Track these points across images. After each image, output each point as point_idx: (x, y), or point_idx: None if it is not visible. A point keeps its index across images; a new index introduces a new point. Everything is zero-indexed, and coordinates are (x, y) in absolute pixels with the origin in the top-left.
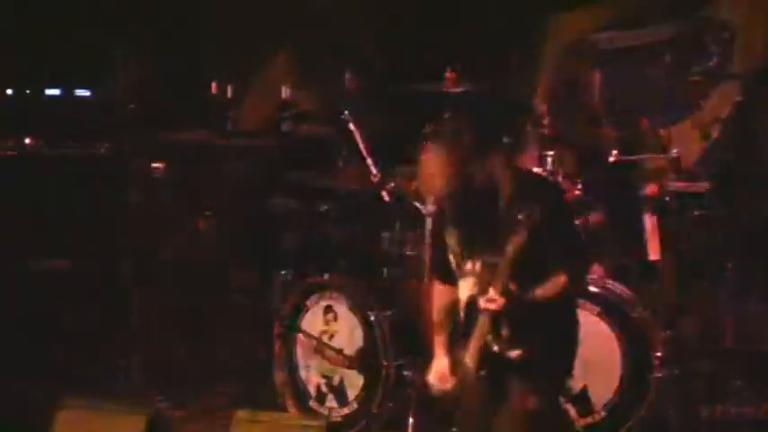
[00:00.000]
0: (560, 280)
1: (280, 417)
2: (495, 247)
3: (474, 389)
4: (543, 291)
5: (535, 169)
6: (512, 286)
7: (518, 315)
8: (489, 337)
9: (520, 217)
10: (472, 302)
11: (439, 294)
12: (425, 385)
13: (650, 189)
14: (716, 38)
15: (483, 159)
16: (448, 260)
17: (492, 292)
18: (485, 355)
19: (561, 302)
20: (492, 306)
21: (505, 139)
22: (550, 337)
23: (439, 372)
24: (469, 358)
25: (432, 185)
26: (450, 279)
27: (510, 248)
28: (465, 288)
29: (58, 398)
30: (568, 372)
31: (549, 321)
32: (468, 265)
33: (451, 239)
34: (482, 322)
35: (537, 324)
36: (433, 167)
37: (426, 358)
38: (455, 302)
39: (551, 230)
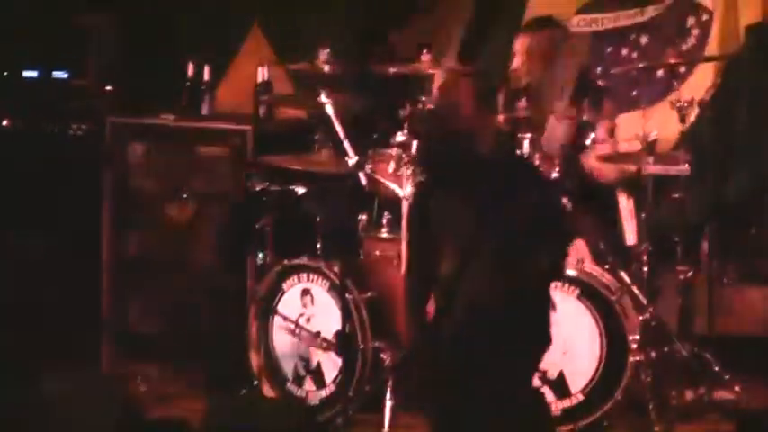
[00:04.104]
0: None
1: (256, 400)
2: (483, 224)
3: (450, 367)
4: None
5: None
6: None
7: (495, 296)
8: (467, 316)
9: (512, 202)
10: (452, 278)
11: (417, 269)
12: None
13: (625, 172)
14: (696, 20)
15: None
16: (428, 236)
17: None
18: (462, 333)
19: (538, 287)
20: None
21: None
22: (526, 318)
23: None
24: (447, 336)
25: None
26: (430, 254)
27: (498, 231)
28: (446, 264)
29: (30, 378)
30: (543, 353)
31: (526, 303)
32: (453, 241)
33: (437, 213)
34: (461, 300)
35: (513, 305)
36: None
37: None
38: (434, 278)
39: (540, 216)
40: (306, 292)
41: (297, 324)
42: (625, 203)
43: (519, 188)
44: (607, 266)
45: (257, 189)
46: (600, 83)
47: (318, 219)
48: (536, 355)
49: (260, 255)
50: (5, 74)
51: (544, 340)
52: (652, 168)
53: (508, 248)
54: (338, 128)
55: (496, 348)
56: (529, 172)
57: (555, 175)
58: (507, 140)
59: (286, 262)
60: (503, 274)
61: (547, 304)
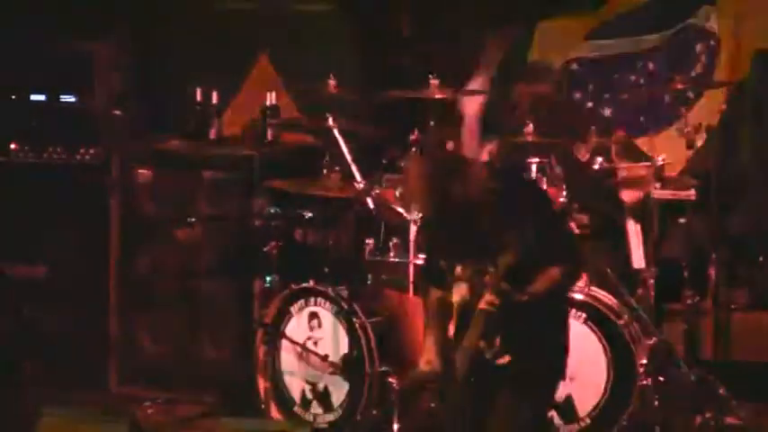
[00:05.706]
0: (553, 273)
1: (264, 423)
2: (486, 255)
3: (462, 394)
4: (537, 286)
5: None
6: (505, 287)
7: (511, 322)
8: (481, 344)
9: (514, 233)
10: (465, 306)
11: (431, 297)
12: (411, 379)
13: (633, 197)
14: (703, 46)
15: (470, 167)
16: (439, 264)
17: (487, 296)
18: (475, 362)
19: (553, 311)
20: (488, 305)
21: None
22: (542, 346)
23: (428, 359)
24: (460, 363)
25: (416, 195)
26: (443, 282)
27: (504, 261)
28: (458, 292)
29: (39, 407)
30: (558, 381)
31: (542, 330)
32: (459, 271)
33: (440, 245)
34: (475, 325)
35: (529, 332)
36: (418, 176)
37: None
38: (448, 305)
39: (544, 238)
40: (313, 315)
41: (304, 347)
42: (633, 228)
43: (516, 215)
44: (614, 291)
45: (265, 213)
46: (605, 110)
47: (326, 243)
48: (550, 382)
49: (267, 278)
50: (13, 98)
51: (557, 367)
52: (659, 193)
53: (513, 274)
54: (346, 152)
55: (509, 374)
56: (530, 198)
57: (562, 199)
58: (505, 169)
59: (293, 286)
60: (510, 298)
61: (559, 330)
